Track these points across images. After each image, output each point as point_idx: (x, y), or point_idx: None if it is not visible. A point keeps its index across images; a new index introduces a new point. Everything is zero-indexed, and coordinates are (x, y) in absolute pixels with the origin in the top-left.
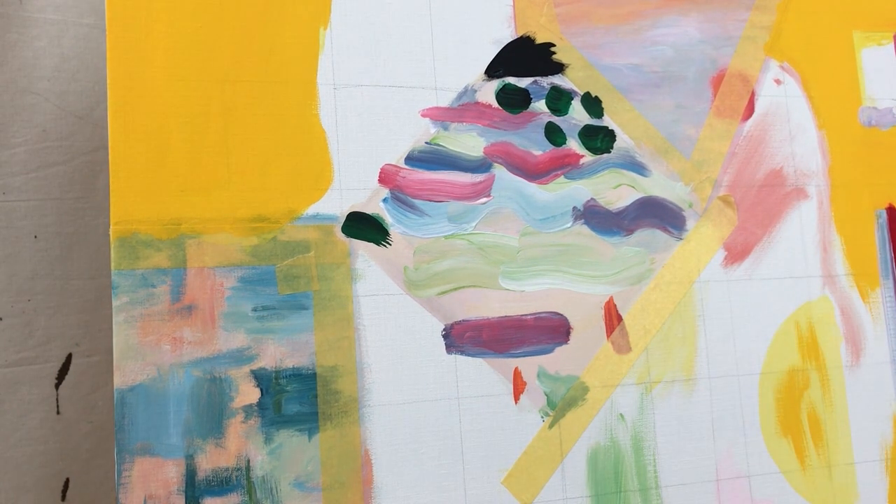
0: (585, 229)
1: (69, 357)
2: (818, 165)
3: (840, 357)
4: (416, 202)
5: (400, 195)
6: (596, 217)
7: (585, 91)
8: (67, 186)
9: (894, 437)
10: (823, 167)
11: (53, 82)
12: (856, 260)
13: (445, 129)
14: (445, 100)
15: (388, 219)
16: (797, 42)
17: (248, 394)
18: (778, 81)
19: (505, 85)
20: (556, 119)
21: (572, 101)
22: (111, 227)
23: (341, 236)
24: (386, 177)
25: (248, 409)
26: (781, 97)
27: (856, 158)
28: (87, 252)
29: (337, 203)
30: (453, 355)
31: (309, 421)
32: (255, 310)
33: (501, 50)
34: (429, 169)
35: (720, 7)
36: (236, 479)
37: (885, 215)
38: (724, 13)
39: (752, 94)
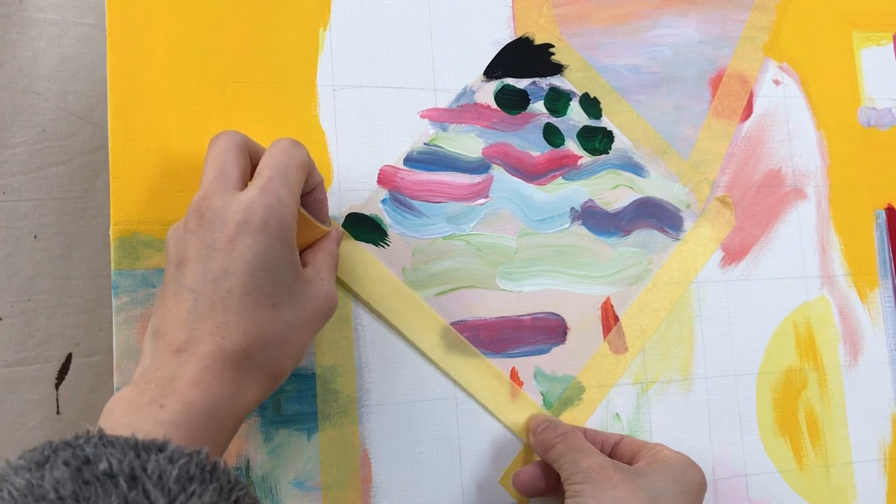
0: (583, 230)
1: (69, 357)
2: (817, 166)
3: (838, 357)
4: (415, 203)
5: (398, 196)
6: (593, 218)
7: (584, 92)
8: (67, 186)
9: (893, 436)
10: (822, 167)
11: (53, 82)
12: (854, 260)
13: (444, 130)
14: (444, 101)
15: (387, 220)
16: (796, 42)
17: None
18: (777, 82)
19: (504, 86)
20: (554, 120)
21: (571, 102)
22: (111, 227)
23: None
24: (385, 178)
25: None
26: (780, 98)
27: (855, 159)
28: (87, 252)
29: (336, 204)
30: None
31: (308, 420)
32: None
33: (500, 51)
34: (427, 170)
35: (719, 7)
36: None
37: (883, 215)
38: (723, 14)
39: (751, 95)
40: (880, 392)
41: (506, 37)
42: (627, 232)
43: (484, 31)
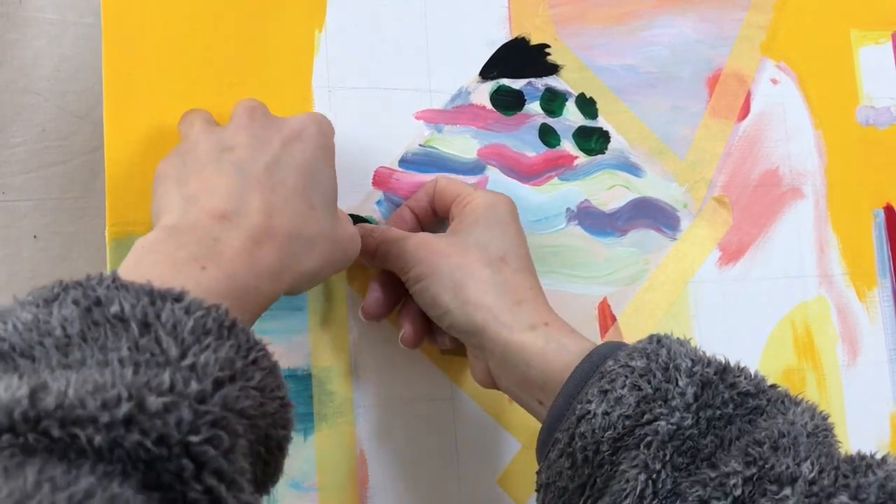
0: (579, 230)
1: None
2: (815, 165)
3: (836, 357)
4: None
5: (394, 198)
6: (589, 218)
7: (580, 92)
8: (67, 186)
9: (892, 435)
10: (820, 167)
11: (53, 82)
12: (852, 259)
13: (439, 131)
14: (440, 102)
15: (382, 221)
16: (794, 41)
17: None
18: (774, 81)
19: (499, 87)
20: (550, 120)
21: (567, 103)
22: (107, 228)
23: None
24: (380, 179)
25: None
26: (778, 97)
27: (853, 158)
28: (87, 252)
29: None
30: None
31: (304, 421)
32: None
33: (496, 51)
34: (422, 171)
35: (716, 7)
36: None
37: (882, 214)
38: (721, 13)
39: (748, 94)
40: (879, 391)
41: (501, 37)
42: (624, 232)
43: (479, 31)
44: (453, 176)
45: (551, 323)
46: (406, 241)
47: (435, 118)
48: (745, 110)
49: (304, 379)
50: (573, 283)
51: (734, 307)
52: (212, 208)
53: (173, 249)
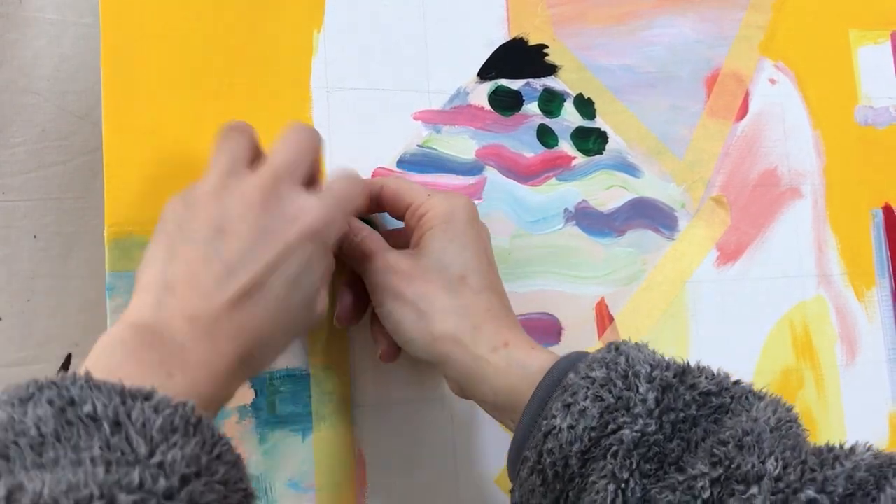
0: (577, 230)
1: (69, 357)
2: (813, 165)
3: (835, 357)
4: None
5: None
6: (587, 218)
7: (578, 93)
8: (67, 186)
9: (891, 435)
10: (818, 166)
11: (53, 82)
12: (851, 259)
13: (437, 131)
14: (438, 102)
15: (381, 221)
16: (792, 41)
17: (243, 395)
18: (773, 81)
19: (497, 87)
20: (548, 121)
21: (565, 103)
22: (106, 228)
23: None
24: None
25: (242, 410)
26: (776, 97)
27: (852, 157)
28: (87, 252)
29: None
30: None
31: (303, 421)
32: None
33: (494, 52)
34: (421, 171)
35: (716, 7)
36: None
37: (880, 214)
38: (720, 13)
39: (747, 94)
40: (878, 391)
41: (500, 37)
42: (621, 232)
43: (478, 31)
44: (400, 173)
45: (511, 342)
46: (372, 263)
47: (433, 119)
48: (744, 110)
49: (302, 379)
50: (571, 284)
51: (732, 307)
52: (185, 306)
53: (141, 347)
